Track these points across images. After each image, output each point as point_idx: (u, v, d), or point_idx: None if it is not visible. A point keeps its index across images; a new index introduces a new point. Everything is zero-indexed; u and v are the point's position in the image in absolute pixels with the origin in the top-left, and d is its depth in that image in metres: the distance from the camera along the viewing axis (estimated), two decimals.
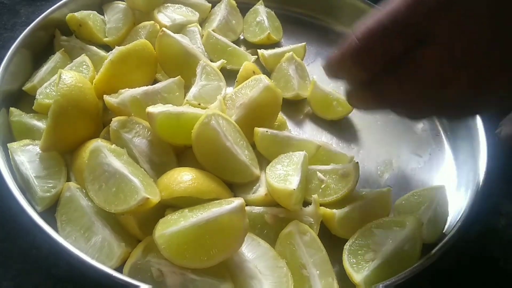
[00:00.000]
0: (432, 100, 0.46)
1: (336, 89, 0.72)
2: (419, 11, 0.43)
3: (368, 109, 0.56)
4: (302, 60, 0.77)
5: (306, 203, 0.56)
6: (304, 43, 0.79)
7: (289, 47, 0.78)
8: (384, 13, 0.44)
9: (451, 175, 0.66)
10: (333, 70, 0.51)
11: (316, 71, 0.76)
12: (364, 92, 0.49)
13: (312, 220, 0.54)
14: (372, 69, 0.47)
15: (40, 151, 0.56)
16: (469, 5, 0.42)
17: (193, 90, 0.63)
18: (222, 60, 0.72)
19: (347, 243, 0.53)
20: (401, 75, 0.45)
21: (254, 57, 0.76)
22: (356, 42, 0.45)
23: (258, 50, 0.77)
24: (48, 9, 0.71)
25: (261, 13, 0.82)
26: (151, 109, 0.54)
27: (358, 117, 0.72)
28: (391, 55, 0.45)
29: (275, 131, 0.61)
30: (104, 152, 0.51)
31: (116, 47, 0.63)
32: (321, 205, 0.56)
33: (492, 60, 0.43)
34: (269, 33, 0.78)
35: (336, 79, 0.53)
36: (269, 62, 0.76)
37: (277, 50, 0.77)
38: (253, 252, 0.50)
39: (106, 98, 0.58)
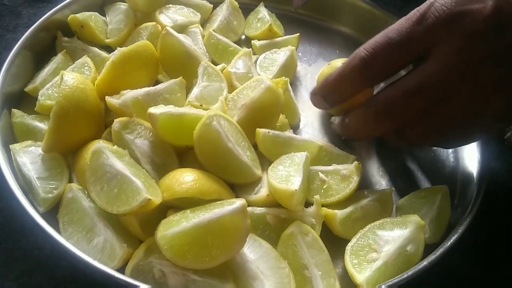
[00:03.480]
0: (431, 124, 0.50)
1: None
2: (421, 27, 0.48)
3: (362, 138, 0.62)
4: (296, 49, 0.77)
5: (308, 204, 0.56)
6: (298, 34, 0.78)
7: (281, 38, 0.78)
8: (391, 28, 0.50)
9: (453, 175, 0.66)
10: (332, 87, 0.55)
11: (317, 71, 0.76)
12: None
13: (314, 220, 0.54)
14: (375, 81, 0.53)
15: (42, 152, 0.56)
16: (467, 22, 0.45)
17: (195, 91, 0.63)
18: (223, 64, 0.72)
19: (349, 243, 0.53)
20: (429, 123, 0.50)
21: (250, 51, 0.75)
22: (364, 52, 0.50)
23: (252, 41, 0.76)
24: (50, 10, 0.71)
25: (263, 13, 0.82)
26: (152, 110, 0.54)
27: None
28: (394, 67, 0.51)
29: (276, 132, 0.61)
30: (106, 153, 0.51)
31: (118, 48, 0.63)
32: (323, 205, 0.56)
33: (488, 79, 0.46)
34: (270, 24, 0.77)
35: (327, 103, 0.58)
36: (259, 52, 0.76)
37: (269, 41, 0.77)
38: (255, 252, 0.50)
39: (108, 99, 0.58)
